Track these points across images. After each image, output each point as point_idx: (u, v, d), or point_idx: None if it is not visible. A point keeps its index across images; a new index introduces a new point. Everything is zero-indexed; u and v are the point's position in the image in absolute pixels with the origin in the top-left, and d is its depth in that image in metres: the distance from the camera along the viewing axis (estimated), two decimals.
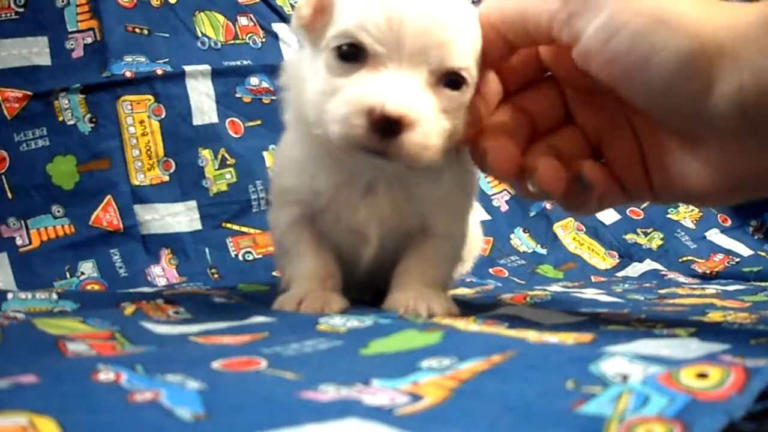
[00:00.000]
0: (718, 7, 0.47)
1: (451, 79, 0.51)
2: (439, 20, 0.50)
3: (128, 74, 1.00)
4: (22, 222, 0.93)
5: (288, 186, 0.63)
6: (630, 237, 1.29)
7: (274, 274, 0.71)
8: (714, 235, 1.34)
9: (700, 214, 1.38)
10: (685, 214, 1.37)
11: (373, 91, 0.48)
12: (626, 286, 1.00)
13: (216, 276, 0.97)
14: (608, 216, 1.32)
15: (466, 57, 0.51)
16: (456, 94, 0.51)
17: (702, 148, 0.48)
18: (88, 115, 0.98)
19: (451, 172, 0.59)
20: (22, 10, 0.97)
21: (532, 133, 0.53)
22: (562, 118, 0.55)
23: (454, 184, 0.61)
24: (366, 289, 0.66)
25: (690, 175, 0.49)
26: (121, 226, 0.96)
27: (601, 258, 1.24)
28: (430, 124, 0.50)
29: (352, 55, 0.50)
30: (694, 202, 0.51)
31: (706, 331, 0.51)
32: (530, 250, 1.22)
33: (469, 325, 0.54)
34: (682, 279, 1.14)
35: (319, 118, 0.52)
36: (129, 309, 0.55)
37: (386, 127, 0.48)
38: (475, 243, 0.84)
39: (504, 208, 1.25)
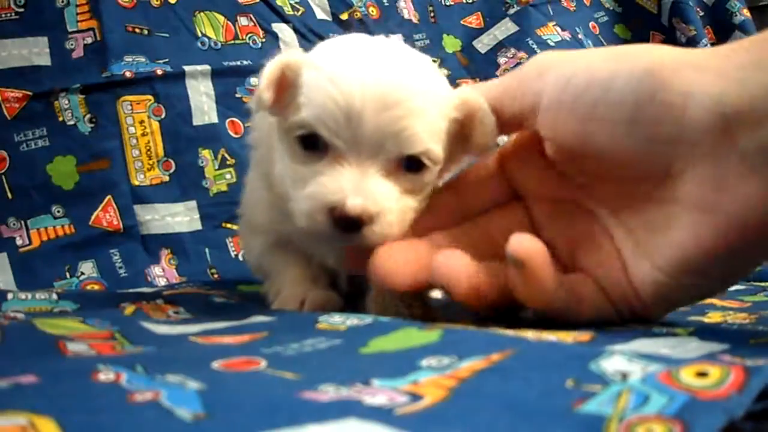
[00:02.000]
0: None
1: (412, 163, 0.52)
2: (397, 107, 0.50)
3: (128, 74, 1.00)
4: (22, 222, 0.93)
5: (257, 222, 0.64)
6: None
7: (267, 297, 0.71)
8: None
9: None
10: None
11: (332, 189, 0.49)
12: None
13: (216, 276, 0.97)
14: None
15: (424, 142, 0.51)
16: (417, 176, 0.52)
17: (683, 186, 0.43)
18: (88, 116, 0.98)
19: None
20: (22, 10, 0.97)
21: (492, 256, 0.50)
22: None
23: None
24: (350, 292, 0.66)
25: (681, 235, 0.44)
26: (121, 226, 0.96)
27: None
28: (392, 214, 0.51)
29: (312, 144, 0.51)
30: (687, 284, 0.46)
31: (705, 330, 0.51)
32: None
33: (468, 325, 0.55)
34: None
35: (286, 202, 0.53)
36: (129, 309, 0.55)
37: (348, 224, 0.49)
38: None
39: None
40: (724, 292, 0.49)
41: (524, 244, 0.45)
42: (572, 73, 0.46)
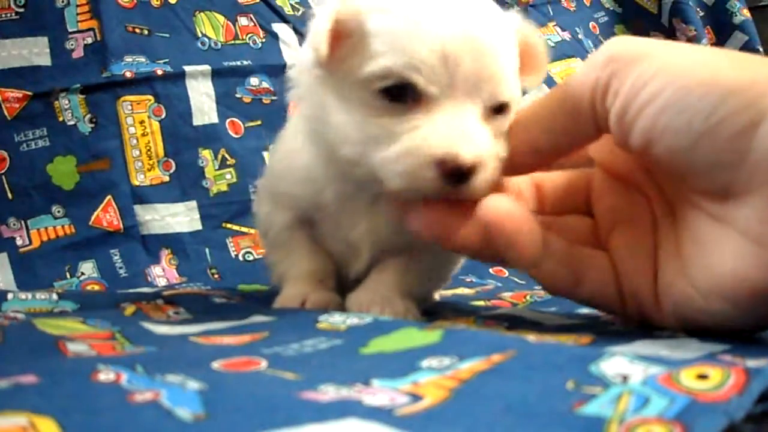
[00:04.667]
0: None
1: (499, 107, 0.49)
2: (489, 52, 0.47)
3: (128, 74, 1.00)
4: (22, 222, 0.93)
5: (288, 192, 0.61)
6: None
7: (272, 279, 0.70)
8: None
9: None
10: None
11: (439, 141, 0.46)
12: None
13: (216, 276, 0.97)
14: None
15: (513, 86, 0.50)
16: (502, 121, 0.49)
17: (740, 209, 0.40)
18: (89, 116, 0.98)
19: None
20: (22, 10, 0.97)
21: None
22: (578, 208, 0.51)
23: None
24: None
25: (726, 259, 0.41)
26: (121, 226, 0.96)
27: None
28: (494, 160, 0.48)
29: (399, 95, 0.47)
30: (718, 310, 0.43)
31: (706, 330, 0.51)
32: None
33: (469, 325, 0.55)
34: None
35: (364, 163, 0.49)
36: (129, 309, 0.55)
37: (459, 176, 0.46)
38: None
39: None
40: (758, 329, 0.46)
41: (496, 207, 0.44)
42: (652, 76, 0.41)
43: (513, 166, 0.49)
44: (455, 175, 0.46)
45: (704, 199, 0.43)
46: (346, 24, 0.49)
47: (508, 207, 0.45)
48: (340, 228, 0.59)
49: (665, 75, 0.41)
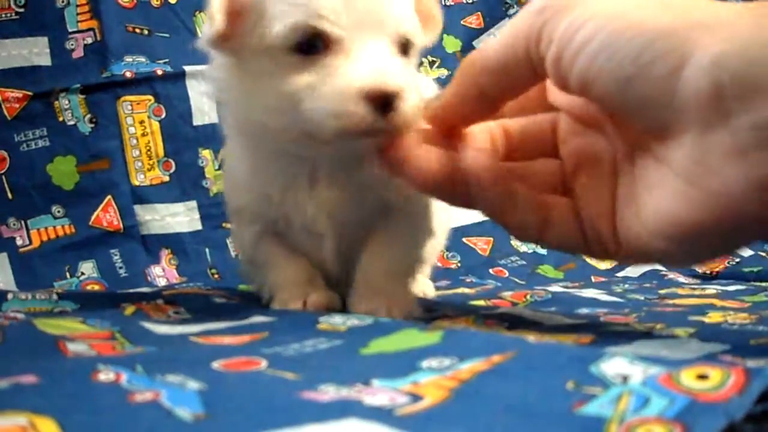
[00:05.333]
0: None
1: (403, 45, 0.51)
2: None
3: (128, 74, 1.00)
4: (22, 222, 0.93)
5: (242, 204, 0.62)
6: None
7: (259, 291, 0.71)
8: None
9: None
10: None
11: (363, 74, 0.47)
12: (626, 286, 1.00)
13: (216, 276, 0.97)
14: None
15: (413, 20, 0.52)
16: (408, 60, 0.52)
17: (676, 150, 0.41)
18: (89, 116, 0.98)
19: None
20: (22, 10, 0.97)
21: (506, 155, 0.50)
22: (546, 152, 0.52)
23: None
24: (342, 287, 0.63)
25: (664, 200, 0.42)
26: (121, 226, 0.96)
27: None
28: (412, 89, 0.49)
29: (309, 47, 0.49)
30: (662, 249, 0.44)
31: (706, 331, 0.51)
32: (530, 251, 1.22)
33: (469, 325, 0.55)
34: (682, 279, 1.14)
35: (293, 123, 0.50)
36: (129, 309, 0.55)
37: (385, 104, 0.47)
38: (446, 215, 0.80)
39: None
40: (708, 261, 0.47)
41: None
42: (584, 21, 0.43)
43: (463, 113, 0.49)
44: (384, 104, 0.47)
45: (650, 141, 0.44)
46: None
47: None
48: (293, 220, 0.59)
49: (597, 19, 0.42)
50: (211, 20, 0.50)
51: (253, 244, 0.63)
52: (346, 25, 0.48)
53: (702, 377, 0.29)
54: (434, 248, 0.75)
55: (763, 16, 0.39)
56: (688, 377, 0.29)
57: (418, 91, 0.50)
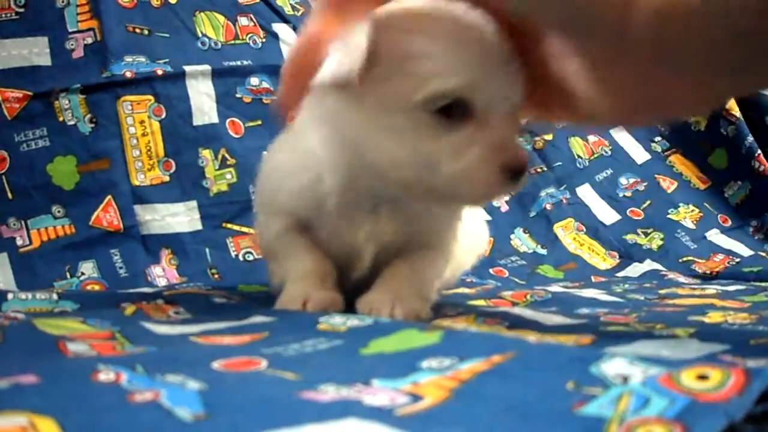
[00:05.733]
0: None
1: None
2: (514, 63, 0.51)
3: (128, 74, 1.00)
4: (23, 222, 0.92)
5: (285, 203, 0.62)
6: (630, 237, 1.29)
7: (273, 281, 0.71)
8: (714, 236, 1.34)
9: (701, 214, 1.38)
10: (686, 215, 1.37)
11: (503, 147, 0.51)
12: (626, 286, 1.00)
13: (216, 276, 0.97)
14: (608, 216, 1.32)
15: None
16: None
17: (614, 71, 0.48)
18: (89, 116, 0.98)
19: None
20: (22, 10, 0.97)
21: None
22: None
23: None
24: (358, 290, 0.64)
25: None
26: (122, 226, 0.96)
27: (601, 258, 1.24)
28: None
29: (453, 112, 0.50)
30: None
31: (706, 331, 0.51)
32: (530, 251, 1.22)
33: (469, 324, 0.55)
34: (682, 279, 1.14)
35: (421, 178, 0.52)
36: (129, 309, 0.55)
37: (519, 174, 0.51)
38: (481, 242, 0.84)
39: (504, 208, 1.25)
40: None
41: None
42: None
43: None
44: (519, 172, 0.51)
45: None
46: (382, 45, 0.49)
47: None
48: (340, 233, 0.60)
49: None
50: (346, 59, 0.48)
51: (275, 236, 0.63)
52: (489, 96, 0.50)
53: (702, 377, 0.29)
54: (457, 269, 0.76)
55: None
56: (688, 377, 0.29)
57: None
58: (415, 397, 0.30)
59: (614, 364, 0.32)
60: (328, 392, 0.30)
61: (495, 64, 0.50)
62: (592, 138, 1.39)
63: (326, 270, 0.61)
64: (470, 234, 0.76)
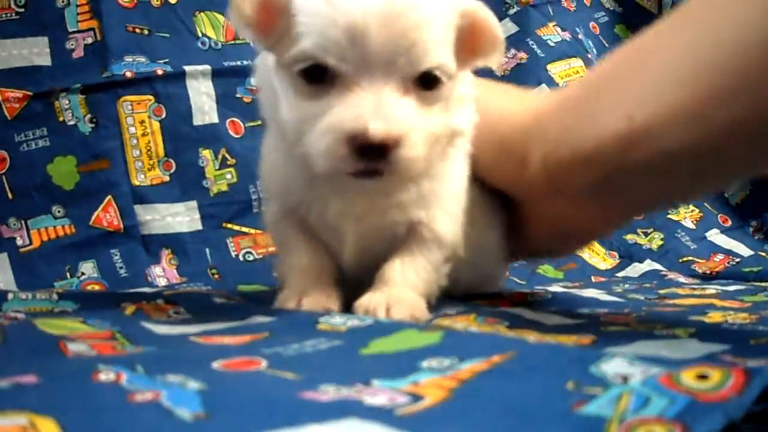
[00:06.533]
0: (529, 96, 0.63)
1: (426, 79, 0.49)
2: (403, 23, 0.47)
3: (128, 74, 1.00)
4: (23, 222, 0.93)
5: (272, 187, 0.63)
6: (630, 237, 1.29)
7: (274, 275, 0.71)
8: (714, 236, 1.34)
9: (701, 214, 1.38)
10: (686, 215, 1.37)
11: (350, 117, 0.46)
12: (626, 286, 1.00)
13: (216, 276, 0.97)
14: None
15: (436, 55, 0.49)
16: (433, 93, 0.50)
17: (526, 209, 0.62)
18: (89, 116, 0.98)
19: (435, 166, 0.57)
20: (22, 10, 0.97)
21: None
22: None
23: (438, 178, 0.58)
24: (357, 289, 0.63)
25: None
26: (122, 226, 0.96)
27: (601, 258, 1.24)
28: (417, 134, 0.48)
29: (318, 76, 0.48)
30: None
31: (706, 331, 0.51)
32: None
33: (469, 324, 0.55)
34: (682, 279, 1.14)
35: (298, 143, 0.50)
36: (129, 309, 0.55)
37: (373, 151, 0.46)
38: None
39: None
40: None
41: None
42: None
43: None
44: (368, 150, 0.46)
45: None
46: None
47: None
48: (321, 215, 0.59)
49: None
50: (237, 5, 0.49)
51: (273, 221, 0.63)
52: (352, 61, 0.47)
53: (702, 377, 0.29)
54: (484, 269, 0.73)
55: (567, 110, 0.55)
56: (688, 377, 0.29)
57: (427, 132, 0.49)
58: (416, 397, 0.30)
59: (614, 364, 0.32)
60: (329, 392, 0.30)
61: (364, 25, 0.46)
62: None
63: (323, 265, 0.61)
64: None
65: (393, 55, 0.47)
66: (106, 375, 0.32)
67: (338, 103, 0.47)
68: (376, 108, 0.46)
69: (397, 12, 0.47)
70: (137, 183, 0.98)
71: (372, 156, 0.46)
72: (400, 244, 0.60)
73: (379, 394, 0.30)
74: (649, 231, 1.32)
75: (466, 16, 0.53)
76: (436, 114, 0.51)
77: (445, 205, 0.60)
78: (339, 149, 0.47)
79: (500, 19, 1.38)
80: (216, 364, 0.36)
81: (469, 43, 0.53)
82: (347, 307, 0.58)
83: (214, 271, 0.98)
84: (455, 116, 0.56)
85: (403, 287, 0.58)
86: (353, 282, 0.62)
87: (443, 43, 0.50)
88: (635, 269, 1.22)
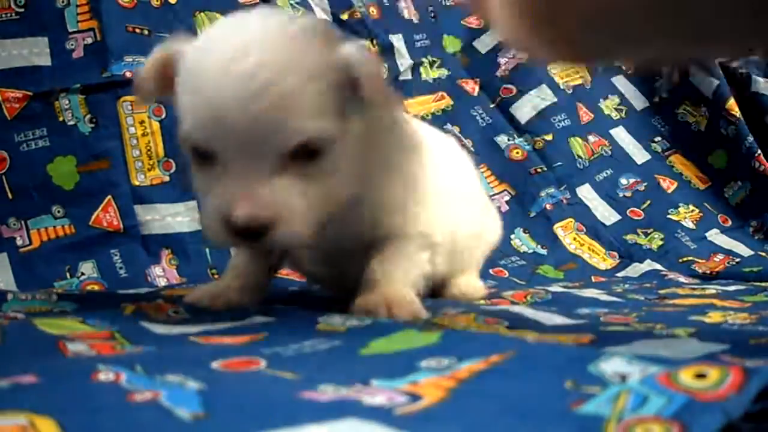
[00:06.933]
0: None
1: (304, 151, 0.48)
2: (264, 101, 0.46)
3: (128, 74, 0.99)
4: (23, 222, 0.92)
5: None
6: (630, 237, 1.29)
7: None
8: (714, 236, 1.34)
9: (701, 214, 1.38)
10: (686, 215, 1.37)
11: (224, 201, 0.47)
12: (626, 286, 1.00)
13: (216, 276, 0.97)
14: (608, 216, 1.32)
15: (307, 128, 0.47)
16: (316, 162, 0.48)
17: None
18: (89, 116, 0.97)
19: (381, 167, 0.57)
20: (22, 10, 0.97)
21: None
22: None
23: (385, 179, 0.58)
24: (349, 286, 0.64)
25: None
26: (122, 226, 0.96)
27: (601, 258, 1.24)
28: (292, 214, 0.48)
29: (203, 154, 0.49)
30: None
31: (705, 331, 0.51)
32: (530, 251, 1.22)
33: (469, 323, 0.55)
34: (682, 279, 1.14)
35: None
36: (129, 309, 0.55)
37: (249, 233, 0.47)
38: (491, 231, 0.84)
39: (504, 208, 1.25)
40: None
41: None
42: None
43: None
44: (241, 232, 0.47)
45: None
46: (170, 70, 0.51)
47: None
48: None
49: None
50: (139, 80, 0.52)
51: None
52: (221, 144, 0.47)
53: (700, 376, 0.29)
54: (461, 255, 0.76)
55: None
56: (686, 376, 0.29)
57: (306, 209, 0.48)
58: (414, 397, 0.30)
59: (612, 363, 0.32)
60: (328, 392, 0.30)
61: (228, 111, 0.45)
62: (592, 138, 1.39)
63: (251, 266, 0.62)
64: (476, 223, 0.77)
65: (259, 135, 0.46)
66: (105, 375, 0.32)
67: (216, 185, 0.48)
68: (244, 193, 0.46)
69: (255, 92, 0.45)
70: (137, 183, 0.98)
71: (247, 237, 0.47)
72: (370, 241, 0.61)
73: (377, 394, 0.30)
74: (649, 231, 1.32)
75: (342, 70, 0.50)
76: (324, 183, 0.49)
77: (403, 206, 0.60)
78: (218, 228, 0.48)
79: None
80: (215, 364, 0.36)
81: (359, 90, 0.50)
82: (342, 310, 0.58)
83: (214, 271, 0.98)
84: (349, 179, 0.52)
85: (393, 285, 0.59)
86: (325, 277, 0.64)
87: (315, 110, 0.48)
88: (635, 269, 1.22)
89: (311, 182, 0.48)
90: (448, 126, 1.27)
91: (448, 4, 1.38)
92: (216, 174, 0.48)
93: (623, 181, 1.38)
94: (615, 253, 1.26)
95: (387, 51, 1.24)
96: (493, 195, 1.26)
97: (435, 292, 0.77)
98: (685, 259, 1.27)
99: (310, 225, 0.49)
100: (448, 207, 0.67)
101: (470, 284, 0.82)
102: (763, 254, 1.29)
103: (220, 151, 0.47)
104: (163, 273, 0.95)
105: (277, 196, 0.47)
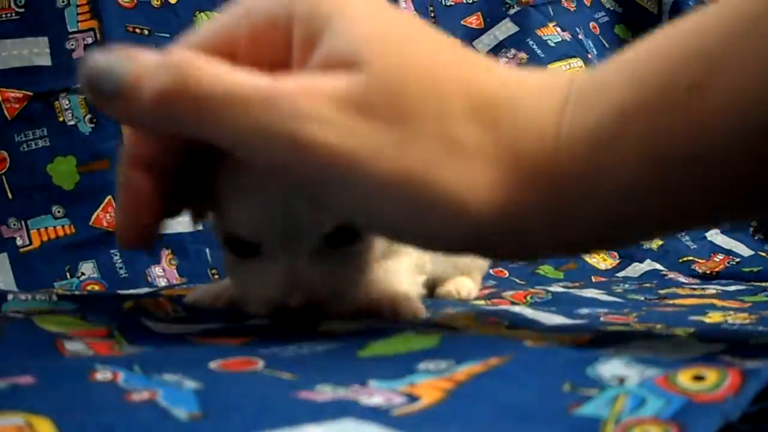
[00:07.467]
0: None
1: (341, 236, 0.49)
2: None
3: None
4: (23, 222, 0.93)
5: None
6: None
7: None
8: (714, 236, 1.34)
9: None
10: None
11: (275, 291, 0.48)
12: (626, 286, 1.00)
13: (216, 276, 0.97)
14: None
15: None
16: (351, 246, 0.50)
17: None
18: (89, 116, 0.98)
19: None
20: (22, 10, 0.97)
21: None
22: None
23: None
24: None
25: None
26: None
27: (601, 258, 1.24)
28: (340, 293, 0.49)
29: (242, 245, 0.50)
30: None
31: (705, 331, 0.51)
32: None
33: (469, 323, 0.55)
34: (682, 279, 1.14)
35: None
36: (128, 304, 0.55)
37: (303, 313, 0.48)
38: None
39: None
40: None
41: None
42: None
43: None
44: (299, 313, 0.48)
45: None
46: None
47: None
48: None
49: None
50: None
51: None
52: (265, 233, 0.48)
53: (698, 378, 0.29)
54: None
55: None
56: (684, 378, 0.29)
57: (350, 288, 0.50)
58: (412, 398, 0.30)
59: (610, 366, 0.32)
60: (325, 392, 0.30)
61: (267, 203, 0.47)
62: None
63: None
64: None
65: (300, 221, 0.47)
66: (102, 374, 0.32)
67: (259, 273, 0.49)
68: (293, 281, 0.48)
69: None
70: None
71: (303, 317, 0.48)
72: None
73: (375, 394, 0.30)
74: None
75: None
76: (358, 263, 0.51)
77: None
78: (270, 308, 0.49)
79: (500, 19, 1.40)
80: (213, 364, 0.36)
81: None
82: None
83: (214, 271, 0.98)
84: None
85: (393, 283, 0.59)
86: None
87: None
88: (635, 269, 1.22)
89: (348, 261, 0.50)
90: None
91: (448, 4, 1.38)
92: (259, 262, 0.49)
93: None
94: (615, 253, 1.26)
95: None
96: None
97: (431, 292, 0.77)
98: (685, 258, 1.27)
99: (352, 299, 0.51)
100: None
101: (465, 285, 0.82)
102: (763, 254, 1.29)
103: (267, 241, 0.48)
104: (163, 273, 0.96)
105: (321, 278, 0.48)
